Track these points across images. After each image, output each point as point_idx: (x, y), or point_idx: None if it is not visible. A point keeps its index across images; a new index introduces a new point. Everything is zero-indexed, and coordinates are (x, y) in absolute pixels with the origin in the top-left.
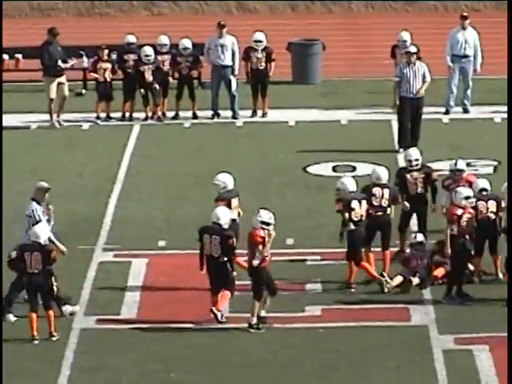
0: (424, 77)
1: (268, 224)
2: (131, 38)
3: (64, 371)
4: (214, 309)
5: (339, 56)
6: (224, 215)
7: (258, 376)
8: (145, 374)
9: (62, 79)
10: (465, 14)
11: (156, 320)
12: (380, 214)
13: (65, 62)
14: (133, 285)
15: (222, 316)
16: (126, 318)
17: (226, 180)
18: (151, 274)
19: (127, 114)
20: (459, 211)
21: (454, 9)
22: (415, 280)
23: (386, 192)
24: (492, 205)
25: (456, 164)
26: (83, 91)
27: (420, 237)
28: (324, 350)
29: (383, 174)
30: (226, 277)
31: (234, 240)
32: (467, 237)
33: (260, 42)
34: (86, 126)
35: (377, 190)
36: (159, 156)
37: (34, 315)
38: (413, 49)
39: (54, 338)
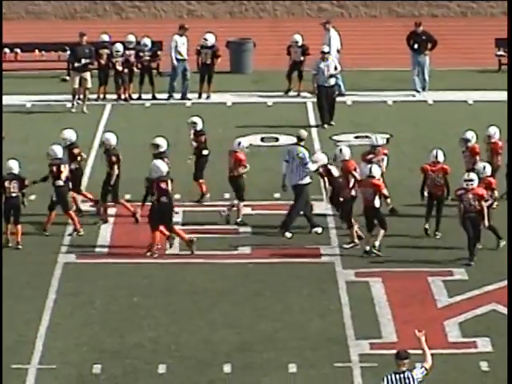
0: (335, 68)
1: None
2: (105, 37)
3: (50, 295)
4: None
5: (267, 52)
6: (163, 166)
7: (200, 300)
8: (113, 298)
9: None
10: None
11: (122, 256)
12: None
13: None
14: (104, 229)
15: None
16: (99, 254)
17: (161, 143)
18: (118, 220)
19: (101, 96)
20: None
21: (356, 15)
22: None
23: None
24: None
25: (376, 140)
26: (67, 78)
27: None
28: (253, 281)
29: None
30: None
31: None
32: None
33: (207, 40)
34: (69, 104)
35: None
36: (126, 129)
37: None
38: (326, 49)
39: (19, 246)
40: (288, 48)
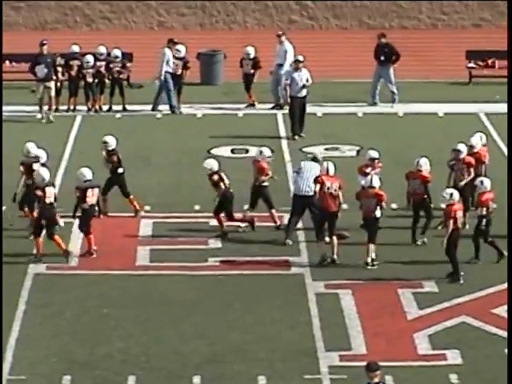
0: (307, 80)
1: None
2: (75, 48)
3: (20, 306)
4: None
5: (237, 63)
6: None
7: (171, 311)
8: (84, 309)
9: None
10: (280, 32)
11: (92, 267)
12: None
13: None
14: (75, 240)
15: None
16: (69, 266)
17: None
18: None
19: (71, 107)
20: None
21: (326, 27)
22: None
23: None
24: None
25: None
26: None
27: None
28: (222, 292)
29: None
30: None
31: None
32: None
33: (179, 51)
34: (39, 115)
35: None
36: (96, 140)
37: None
38: (300, 58)
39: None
40: (241, 60)
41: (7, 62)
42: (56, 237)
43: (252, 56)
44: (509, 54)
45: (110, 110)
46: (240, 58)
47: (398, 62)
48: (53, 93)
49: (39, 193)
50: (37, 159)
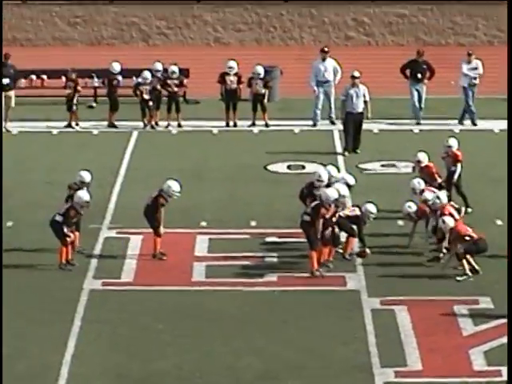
0: (364, 96)
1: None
2: (116, 66)
3: (76, 322)
4: None
5: (293, 79)
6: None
7: (225, 326)
8: (138, 325)
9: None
10: (326, 48)
11: (148, 283)
12: None
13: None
14: (131, 256)
15: None
16: (124, 282)
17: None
18: (145, 247)
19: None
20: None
21: (383, 43)
22: None
23: None
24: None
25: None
26: (94, 104)
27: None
28: (277, 308)
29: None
30: None
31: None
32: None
33: (232, 68)
34: (95, 131)
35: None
36: (152, 156)
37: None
38: (356, 73)
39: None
40: (249, 80)
41: (63, 77)
42: (64, 248)
43: (262, 75)
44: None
45: (167, 126)
46: (249, 77)
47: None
48: (12, 103)
49: (73, 213)
50: (84, 185)
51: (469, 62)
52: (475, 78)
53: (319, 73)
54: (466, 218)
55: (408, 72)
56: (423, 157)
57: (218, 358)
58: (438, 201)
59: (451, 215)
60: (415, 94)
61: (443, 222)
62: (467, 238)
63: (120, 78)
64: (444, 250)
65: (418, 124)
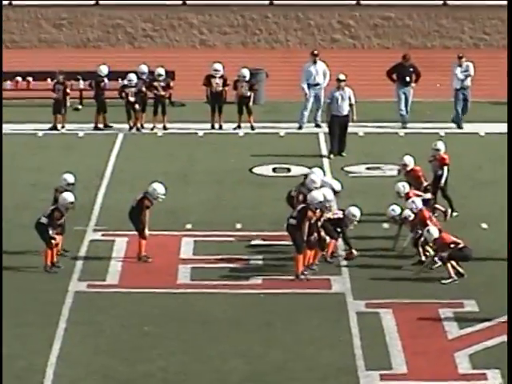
0: (350, 99)
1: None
2: (103, 69)
3: (61, 324)
4: None
5: (279, 82)
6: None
7: (211, 329)
8: (124, 327)
9: None
10: (315, 52)
11: (133, 286)
12: None
13: None
14: (116, 258)
15: None
16: (110, 284)
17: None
18: (130, 250)
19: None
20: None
21: (368, 46)
22: None
23: None
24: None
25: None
26: (79, 106)
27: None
28: (263, 311)
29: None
30: None
31: None
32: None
33: (217, 70)
34: (81, 133)
35: None
36: (138, 158)
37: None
38: (342, 76)
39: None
40: (235, 82)
41: (49, 79)
42: (49, 250)
43: (247, 78)
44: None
45: (153, 128)
46: (234, 80)
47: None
48: None
49: (57, 215)
50: (70, 187)
51: (460, 65)
52: (466, 80)
53: (310, 76)
54: (452, 221)
55: (395, 76)
56: (409, 160)
57: (205, 360)
58: (413, 205)
59: (430, 219)
60: (402, 97)
61: (428, 232)
62: (452, 246)
63: (107, 80)
64: (426, 255)
65: (404, 128)
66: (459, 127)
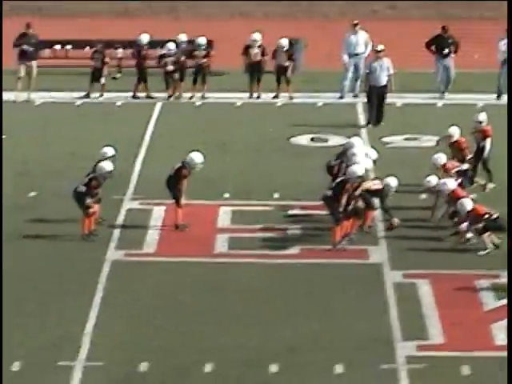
0: (388, 70)
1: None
2: (144, 38)
3: (98, 293)
4: None
5: (318, 52)
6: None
7: (248, 299)
8: (159, 296)
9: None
10: (355, 21)
11: (170, 254)
12: None
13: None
14: (153, 227)
15: None
16: (147, 253)
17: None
18: (167, 219)
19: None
20: None
21: (407, 17)
22: None
23: None
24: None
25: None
26: (118, 75)
27: None
28: (300, 281)
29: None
30: None
31: None
32: None
33: (256, 40)
34: (119, 102)
35: None
36: (176, 127)
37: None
38: (380, 47)
39: None
40: (273, 52)
41: (87, 47)
42: (86, 218)
43: (286, 48)
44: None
45: (191, 97)
46: (273, 49)
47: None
48: (34, 73)
49: (95, 183)
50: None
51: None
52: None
53: (350, 46)
54: (490, 193)
55: (434, 47)
56: (454, 131)
57: (241, 330)
58: (445, 187)
59: (463, 197)
60: (440, 69)
61: (461, 204)
62: (486, 217)
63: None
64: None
65: (442, 98)
66: (498, 98)
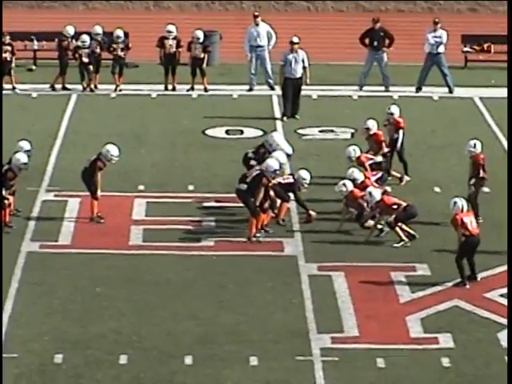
0: (303, 62)
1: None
2: (70, 29)
3: (13, 284)
4: None
5: (233, 44)
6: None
7: (163, 291)
8: (76, 288)
9: None
10: (256, 13)
11: (85, 246)
12: None
13: None
14: (68, 219)
15: None
16: (62, 244)
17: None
18: (83, 210)
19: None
20: None
21: (322, 9)
22: None
23: None
24: None
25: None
26: (33, 67)
27: None
28: (215, 273)
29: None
30: None
31: None
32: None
33: (171, 32)
34: (34, 94)
35: None
36: (91, 119)
37: None
38: (295, 39)
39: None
40: (189, 44)
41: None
42: (2, 210)
43: (201, 40)
44: (509, 42)
45: (115, 89)
46: (188, 41)
47: (392, 46)
48: None
49: (10, 175)
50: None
51: (434, 30)
52: (437, 46)
53: (252, 37)
54: (405, 185)
55: (367, 41)
56: (373, 124)
57: (156, 322)
58: (344, 188)
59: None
60: (369, 63)
61: (370, 194)
62: (395, 207)
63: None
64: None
65: (360, 90)
66: (418, 91)
